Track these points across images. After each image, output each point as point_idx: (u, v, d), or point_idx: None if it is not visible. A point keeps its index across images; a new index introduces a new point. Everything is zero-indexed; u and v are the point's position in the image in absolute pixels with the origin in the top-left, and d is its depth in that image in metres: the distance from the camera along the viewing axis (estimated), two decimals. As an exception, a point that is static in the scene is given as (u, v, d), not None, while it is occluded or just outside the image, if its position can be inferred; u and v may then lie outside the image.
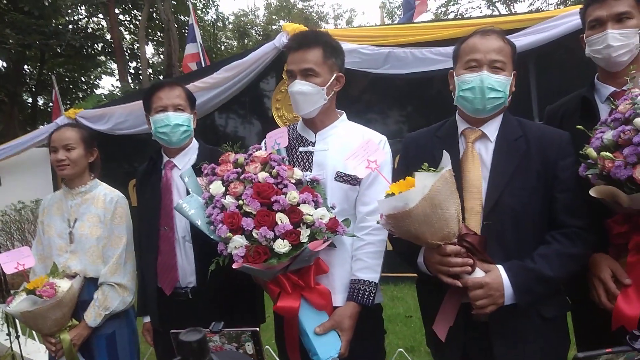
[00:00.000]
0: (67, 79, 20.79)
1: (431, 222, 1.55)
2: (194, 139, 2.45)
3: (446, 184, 1.55)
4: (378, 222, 1.70)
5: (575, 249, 1.68)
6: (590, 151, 1.64)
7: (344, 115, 2.16)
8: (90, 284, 2.45)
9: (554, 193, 1.73)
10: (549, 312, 1.73)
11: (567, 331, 1.85)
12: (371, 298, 1.92)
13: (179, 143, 2.35)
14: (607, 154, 1.57)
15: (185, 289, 2.28)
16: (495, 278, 1.63)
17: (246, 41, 24.69)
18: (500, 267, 1.65)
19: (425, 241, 1.62)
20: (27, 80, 20.00)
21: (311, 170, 2.03)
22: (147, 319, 2.42)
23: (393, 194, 1.57)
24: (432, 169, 1.57)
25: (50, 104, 17.70)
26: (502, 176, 1.73)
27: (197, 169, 2.13)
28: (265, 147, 2.10)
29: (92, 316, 2.37)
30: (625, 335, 1.35)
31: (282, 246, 1.72)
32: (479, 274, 1.64)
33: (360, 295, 1.91)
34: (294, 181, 1.89)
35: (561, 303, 1.81)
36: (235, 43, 25.58)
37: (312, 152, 2.06)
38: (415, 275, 1.92)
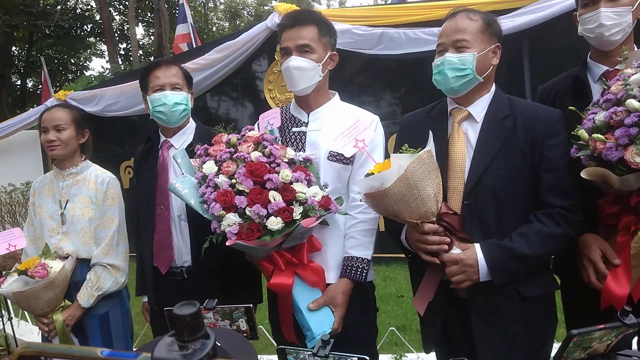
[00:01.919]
0: (56, 61, 20.55)
1: (407, 201, 1.58)
2: (191, 119, 2.43)
3: (423, 165, 1.57)
4: (360, 200, 1.74)
5: (557, 229, 1.66)
6: (582, 132, 1.64)
7: (337, 96, 2.15)
8: (83, 265, 2.45)
9: (539, 172, 1.71)
10: (529, 291, 1.72)
11: (553, 310, 1.83)
12: (364, 275, 1.93)
13: (177, 122, 2.33)
14: (599, 135, 1.57)
15: (181, 268, 2.28)
16: (470, 255, 1.65)
17: (238, 22, 24.46)
18: (477, 245, 1.67)
19: (403, 219, 1.66)
20: (16, 62, 19.75)
21: (304, 150, 2.03)
22: (146, 299, 2.43)
23: (372, 174, 1.63)
24: (411, 150, 1.61)
25: (40, 86, 17.49)
26: (485, 156, 1.73)
27: (190, 150, 2.13)
28: (259, 128, 2.09)
29: (85, 297, 2.38)
30: (613, 315, 1.37)
31: (275, 223, 1.73)
32: (456, 251, 1.68)
33: (353, 271, 1.92)
34: (286, 160, 1.89)
35: (545, 282, 1.79)
36: (226, 24, 25.34)
37: (305, 132, 2.06)
38: (405, 256, 1.95)
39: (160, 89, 2.28)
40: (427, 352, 1.96)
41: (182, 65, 2.48)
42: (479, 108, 1.81)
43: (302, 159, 1.94)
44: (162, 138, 2.39)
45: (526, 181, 1.72)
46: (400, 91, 6.32)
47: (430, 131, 1.69)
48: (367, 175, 1.66)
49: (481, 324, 1.72)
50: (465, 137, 1.79)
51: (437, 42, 1.83)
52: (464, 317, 1.74)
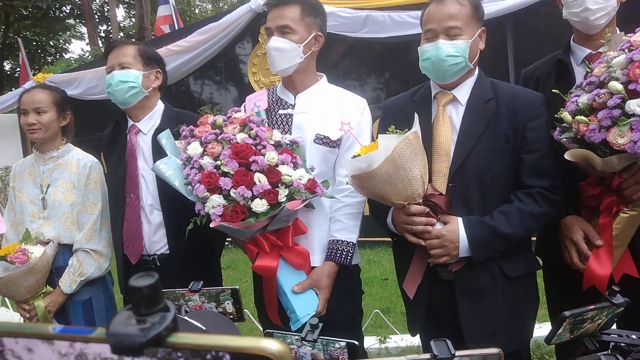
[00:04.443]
0: (34, 43, 20.05)
1: (394, 183, 1.59)
2: (160, 101, 2.34)
3: (410, 146, 1.58)
4: (347, 183, 1.74)
5: (537, 208, 1.69)
6: (565, 115, 1.66)
7: (324, 78, 2.13)
8: (66, 251, 2.40)
9: (520, 154, 1.73)
10: (514, 271, 1.75)
11: (535, 290, 1.87)
12: (349, 258, 1.94)
13: (128, 101, 2.23)
14: (582, 117, 1.59)
15: (153, 256, 2.24)
16: (452, 230, 1.67)
17: (221, 4, 24.09)
18: (459, 220, 1.69)
19: (390, 201, 1.67)
20: (-8, 44, 19.26)
21: (291, 132, 2.01)
22: None
23: (359, 155, 1.62)
24: (398, 131, 1.61)
25: (18, 69, 17.11)
26: (470, 139, 1.74)
27: (174, 133, 2.09)
28: (245, 110, 2.07)
29: (67, 282, 2.34)
30: (595, 295, 1.40)
31: (260, 205, 1.72)
32: (439, 226, 1.70)
33: (338, 255, 1.93)
34: (272, 143, 1.87)
35: (528, 262, 1.82)
36: (209, 6, 24.92)
37: (292, 115, 2.04)
38: (391, 239, 1.95)
39: (110, 70, 2.23)
40: (413, 334, 1.98)
41: (164, 47, 2.44)
42: (463, 91, 1.81)
43: (288, 142, 1.92)
44: (130, 122, 2.32)
45: (509, 163, 1.74)
46: (385, 75, 6.30)
47: (415, 113, 1.69)
48: (354, 157, 1.66)
49: (466, 304, 1.74)
50: (450, 120, 1.79)
51: (425, 28, 1.79)
52: (450, 298, 1.76)
